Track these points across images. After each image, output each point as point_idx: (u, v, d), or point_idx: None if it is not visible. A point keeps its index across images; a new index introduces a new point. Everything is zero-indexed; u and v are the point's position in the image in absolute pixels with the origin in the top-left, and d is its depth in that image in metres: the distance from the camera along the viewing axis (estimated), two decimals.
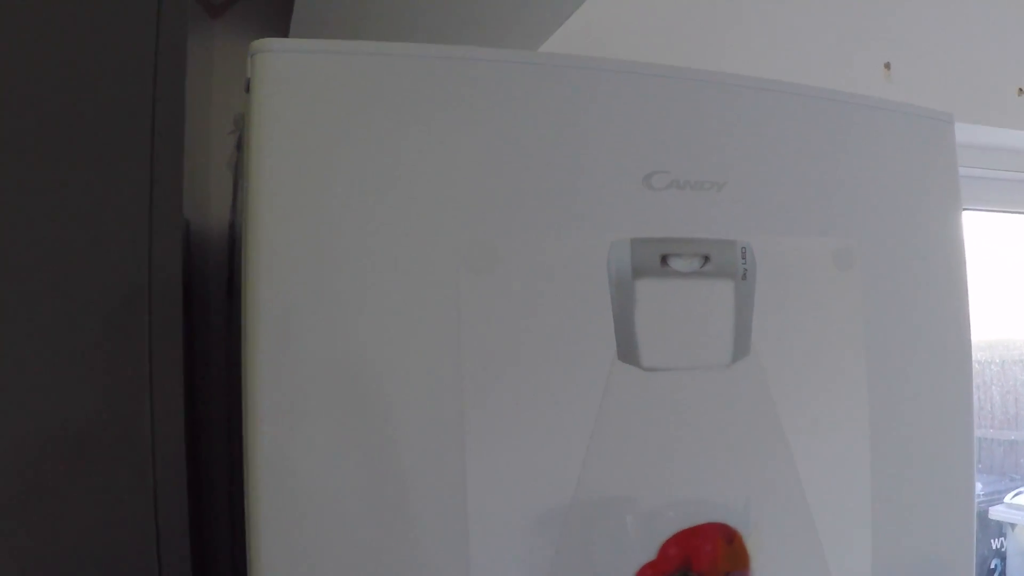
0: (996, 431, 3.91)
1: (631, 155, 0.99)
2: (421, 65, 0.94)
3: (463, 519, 0.92)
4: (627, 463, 0.96)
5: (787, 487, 1.03)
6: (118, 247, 0.97)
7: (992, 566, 3.67)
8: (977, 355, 3.80)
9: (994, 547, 3.65)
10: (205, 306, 1.40)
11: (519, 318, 0.94)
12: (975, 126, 2.26)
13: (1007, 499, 3.62)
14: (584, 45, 1.79)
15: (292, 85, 0.90)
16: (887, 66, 2.14)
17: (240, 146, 1.15)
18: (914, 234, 1.17)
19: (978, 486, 3.56)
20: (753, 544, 1.02)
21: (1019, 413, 3.82)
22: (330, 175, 0.90)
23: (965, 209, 1.25)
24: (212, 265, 1.43)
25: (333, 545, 0.89)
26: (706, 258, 1.01)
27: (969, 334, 1.21)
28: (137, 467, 0.97)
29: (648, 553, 0.97)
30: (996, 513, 3.59)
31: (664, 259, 1.00)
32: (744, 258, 1.03)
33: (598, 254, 0.97)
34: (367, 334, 0.90)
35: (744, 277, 1.03)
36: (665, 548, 0.98)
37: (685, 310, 1.00)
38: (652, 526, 0.98)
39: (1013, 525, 3.53)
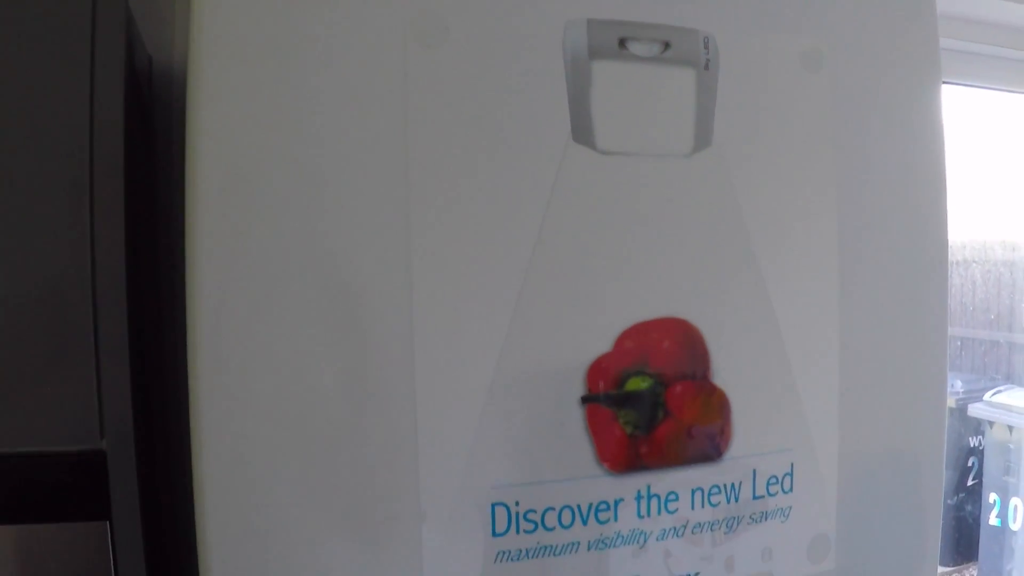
0: (978, 331, 3.90)
1: None
2: None
3: (408, 304, 0.88)
4: (581, 249, 0.93)
5: (750, 287, 1.00)
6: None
7: (969, 463, 3.69)
8: (965, 254, 3.78)
9: (972, 445, 3.66)
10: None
11: (469, 95, 0.90)
12: None
13: (986, 397, 3.62)
14: None
15: None
16: None
17: None
18: (885, 43, 1.12)
19: (958, 384, 3.56)
20: (713, 344, 0.99)
21: (1001, 314, 3.81)
22: None
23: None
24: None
25: (279, 390, 0.88)
26: (666, 44, 0.97)
27: (943, 159, 1.17)
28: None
29: (604, 344, 0.94)
30: (975, 410, 3.60)
31: (623, 42, 0.95)
32: (707, 48, 0.98)
33: (553, 33, 0.92)
34: (310, 107, 0.86)
35: (707, 67, 0.98)
36: (621, 340, 0.95)
37: (643, 94, 0.96)
38: (607, 317, 0.94)
39: (991, 423, 3.54)
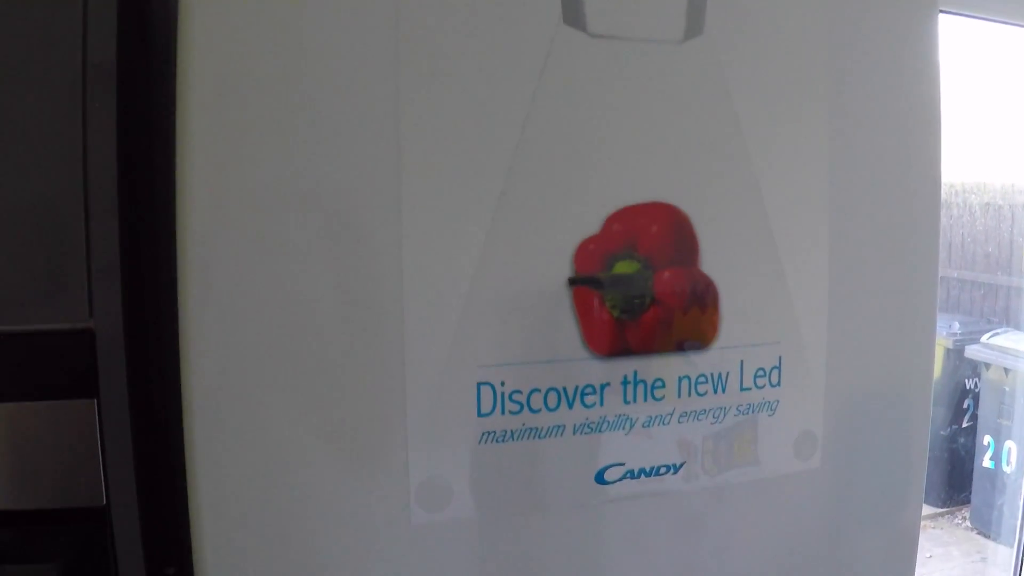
0: (977, 273, 3.89)
1: None
2: None
3: (396, 184, 0.88)
4: (570, 132, 0.92)
5: (740, 178, 1.00)
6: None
7: (964, 405, 3.69)
8: (966, 197, 3.76)
9: (967, 386, 3.67)
10: None
11: None
12: None
13: (984, 339, 3.62)
14: None
15: None
16: None
17: None
18: None
19: (956, 325, 3.56)
20: (702, 232, 0.98)
21: (1001, 257, 3.80)
22: None
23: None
24: None
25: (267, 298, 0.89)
26: None
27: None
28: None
29: (592, 226, 0.94)
30: (972, 352, 3.59)
31: None
32: None
33: None
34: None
35: None
36: (610, 222, 0.94)
37: None
38: (595, 199, 0.94)
39: (987, 365, 3.53)
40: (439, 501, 0.91)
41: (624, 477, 0.97)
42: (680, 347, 0.98)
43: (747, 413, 1.02)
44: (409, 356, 0.89)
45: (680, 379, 0.98)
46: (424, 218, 0.88)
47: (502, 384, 0.92)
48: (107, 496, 0.95)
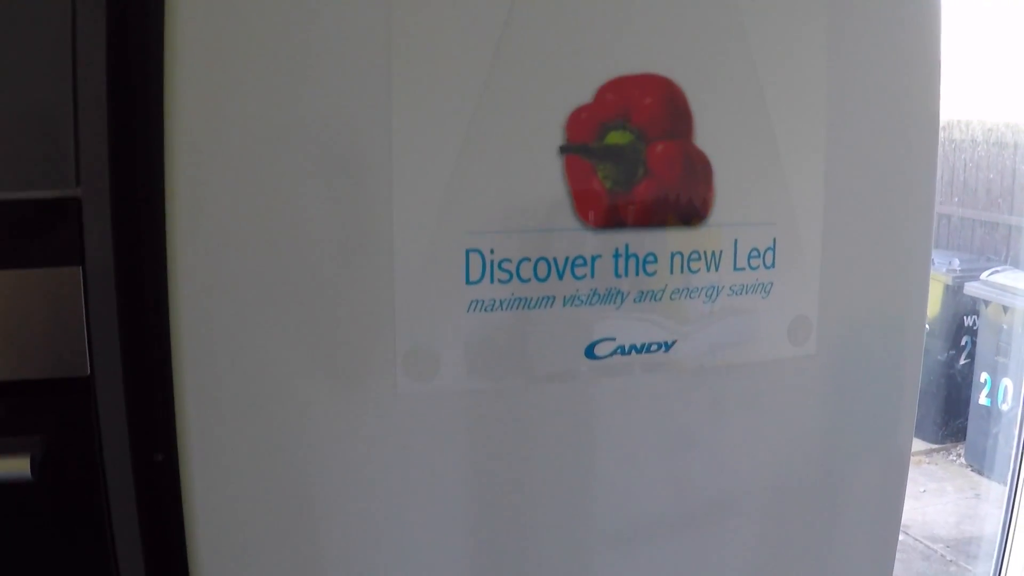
0: (978, 212, 3.87)
1: None
2: None
3: (386, 48, 0.86)
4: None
5: (737, 54, 0.97)
6: None
7: (962, 343, 3.69)
8: (968, 134, 3.72)
9: (966, 324, 3.66)
10: None
11: None
12: None
13: (983, 277, 3.61)
14: None
15: None
16: None
17: None
18: None
19: (956, 262, 3.54)
20: (697, 106, 0.96)
21: (1003, 196, 3.77)
22: None
23: None
24: None
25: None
26: None
27: None
28: None
29: (584, 95, 0.92)
30: (971, 289, 3.59)
31: None
32: None
33: None
34: None
35: None
36: (602, 92, 0.92)
37: None
38: (588, 68, 0.92)
39: (987, 303, 3.53)
40: (426, 370, 0.90)
41: (615, 352, 0.96)
42: (673, 222, 0.96)
43: (740, 294, 1.01)
44: (397, 220, 0.87)
45: (672, 255, 0.97)
46: (413, 83, 0.86)
47: (491, 252, 0.90)
48: (91, 366, 0.93)
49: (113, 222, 0.95)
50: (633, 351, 0.96)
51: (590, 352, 0.95)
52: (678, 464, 1.01)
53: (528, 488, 0.95)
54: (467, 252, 0.90)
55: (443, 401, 0.91)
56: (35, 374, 0.93)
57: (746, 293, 1.01)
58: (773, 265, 1.02)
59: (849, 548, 1.14)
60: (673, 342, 0.98)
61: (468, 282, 0.90)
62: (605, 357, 0.95)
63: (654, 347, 0.97)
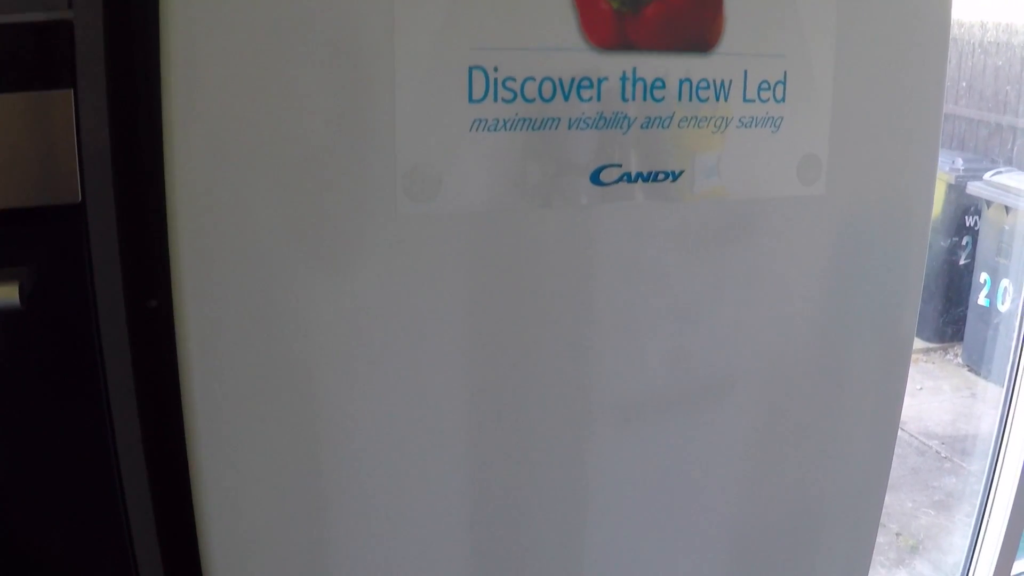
0: (984, 112, 3.82)
1: None
2: None
3: None
4: None
5: None
6: None
7: (963, 243, 3.67)
8: (975, 34, 3.65)
9: (968, 224, 3.64)
10: None
11: None
12: None
13: (986, 177, 3.57)
14: None
15: None
16: None
17: None
18: None
19: (959, 162, 3.50)
20: None
21: (1009, 97, 3.72)
22: None
23: None
24: None
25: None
26: None
27: None
28: None
29: None
30: (974, 189, 3.55)
31: None
32: None
33: None
34: None
35: None
36: None
37: None
38: None
39: (988, 203, 3.50)
40: (427, 191, 0.87)
41: (620, 179, 0.93)
42: (681, 47, 0.92)
43: (750, 127, 0.98)
44: (399, 35, 0.84)
45: (681, 81, 0.94)
46: None
47: (495, 69, 0.87)
48: (83, 192, 0.91)
49: (106, 45, 0.91)
50: (639, 179, 0.94)
51: (595, 178, 0.92)
52: (681, 298, 0.99)
53: (529, 315, 0.93)
54: (470, 69, 0.87)
55: (445, 224, 0.88)
56: (25, 202, 0.90)
57: (755, 126, 0.98)
58: (783, 99, 0.99)
59: (850, 423, 1.13)
60: (680, 172, 0.96)
61: (471, 100, 0.87)
62: (611, 184, 0.93)
63: (661, 176, 0.95)
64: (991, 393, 3.20)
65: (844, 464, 1.11)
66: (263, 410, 0.89)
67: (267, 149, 0.83)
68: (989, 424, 2.55)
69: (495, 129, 0.88)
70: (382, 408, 0.91)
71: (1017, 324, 2.48)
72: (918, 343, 3.83)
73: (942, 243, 3.68)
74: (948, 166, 3.70)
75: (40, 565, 0.94)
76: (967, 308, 3.61)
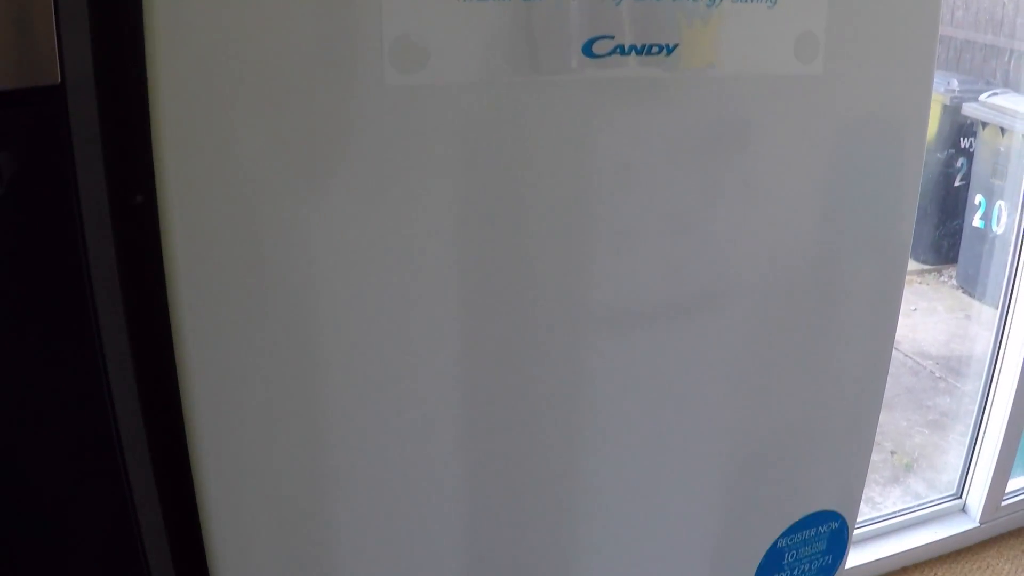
0: (979, 34, 3.78)
1: None
2: None
3: None
4: None
5: None
6: None
7: (958, 164, 3.64)
8: None
9: (963, 146, 3.61)
10: None
11: None
12: None
13: (981, 98, 3.53)
14: None
15: None
16: None
17: None
18: None
19: (954, 83, 3.46)
20: None
21: (1005, 19, 3.67)
22: None
23: None
24: None
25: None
26: None
27: None
28: None
29: None
30: (969, 110, 3.52)
31: None
32: None
33: None
34: None
35: None
36: None
37: None
38: None
39: (984, 124, 3.46)
40: (415, 61, 0.84)
41: (613, 52, 0.90)
42: None
43: (746, 0, 0.94)
44: None
45: None
46: None
47: None
48: (62, 72, 0.88)
49: None
50: (633, 51, 0.91)
51: (587, 50, 0.90)
52: (677, 175, 0.97)
53: (519, 187, 0.91)
54: None
55: (433, 95, 0.85)
56: (2, 84, 0.87)
57: (751, 0, 0.95)
58: None
59: (846, 336, 1.12)
60: (675, 46, 0.93)
61: None
62: (603, 56, 0.90)
63: (655, 49, 0.92)
64: (985, 315, 3.20)
65: (839, 378, 1.10)
66: (251, 309, 0.87)
67: (250, 20, 0.79)
68: (983, 345, 2.56)
69: None
70: (372, 301, 0.90)
71: (1011, 246, 2.47)
72: (912, 265, 3.82)
73: (937, 164, 3.66)
74: (943, 87, 3.66)
75: (25, 478, 0.93)
76: (961, 230, 3.60)
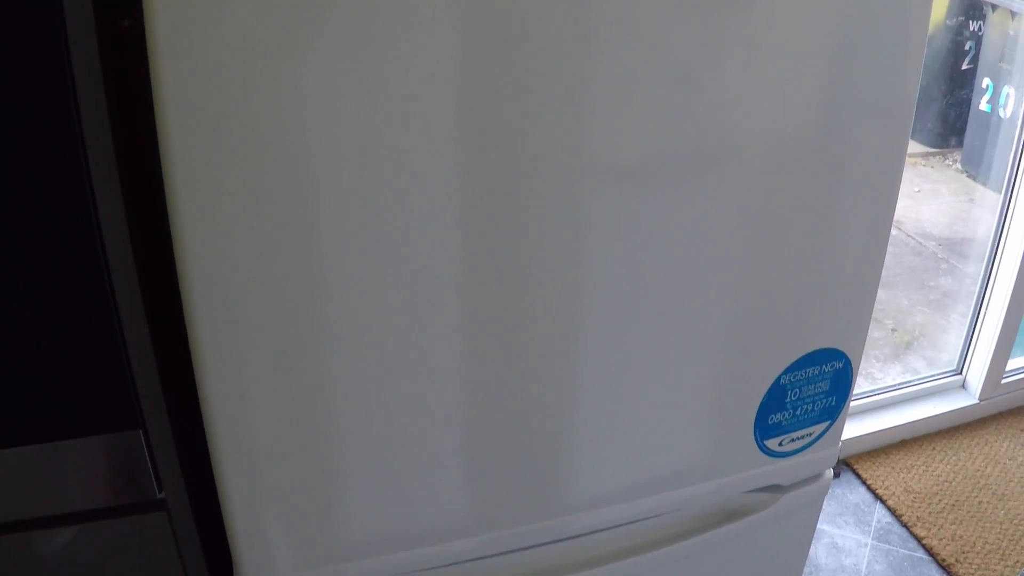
0: None
1: None
2: None
3: None
4: None
5: None
6: None
7: (966, 47, 3.58)
8: None
9: (972, 28, 3.54)
10: None
11: None
12: None
13: None
14: None
15: None
16: None
17: None
18: None
19: None
20: None
21: None
22: None
23: None
24: None
25: None
26: None
27: None
28: None
29: None
30: None
31: None
32: None
33: None
34: None
35: None
36: None
37: None
38: None
39: (994, 6, 3.39)
40: None
41: None
42: None
43: None
44: None
45: None
46: None
47: None
48: None
49: None
50: None
51: None
52: (679, 28, 0.93)
53: (518, 36, 0.87)
54: None
55: None
56: None
57: None
58: None
59: (847, 203, 1.09)
60: None
61: None
62: None
63: None
64: (989, 199, 3.18)
65: (839, 245, 1.07)
66: (243, 164, 0.84)
67: None
68: (986, 229, 2.54)
69: None
70: (369, 145, 0.86)
71: (1018, 131, 2.44)
72: (917, 147, 3.79)
73: (944, 47, 3.59)
74: None
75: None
76: (968, 114, 3.55)
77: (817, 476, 1.27)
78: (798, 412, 1.17)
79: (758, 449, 1.16)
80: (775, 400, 1.14)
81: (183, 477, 1.03)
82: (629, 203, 0.96)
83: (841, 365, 1.17)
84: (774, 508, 1.23)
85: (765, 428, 1.15)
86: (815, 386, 1.17)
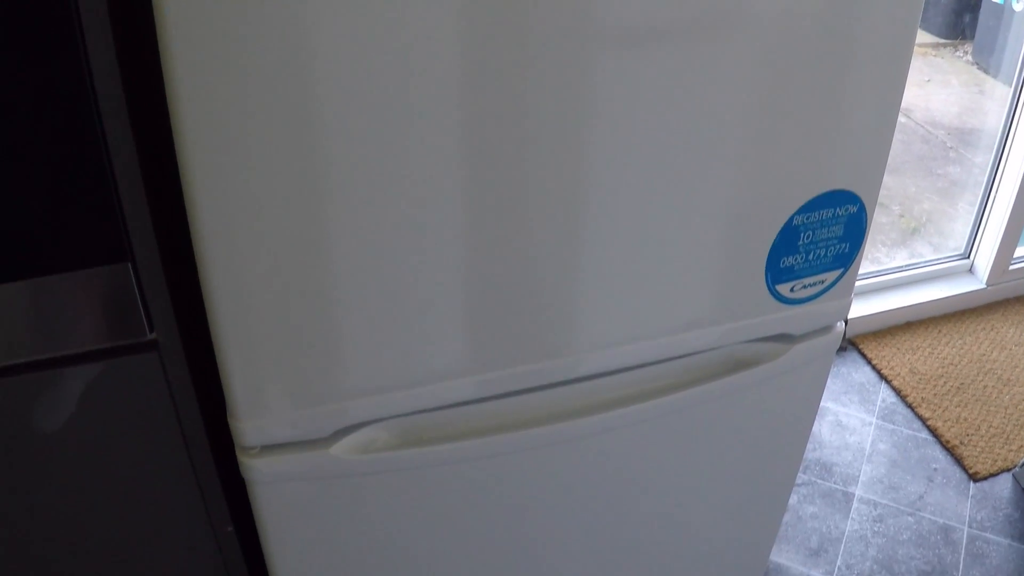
0: None
1: None
2: None
3: None
4: None
5: None
6: None
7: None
8: None
9: None
10: None
11: None
12: None
13: None
14: None
15: None
16: None
17: None
18: None
19: None
20: None
21: None
22: None
23: None
24: None
25: None
26: None
27: None
28: None
29: None
30: None
31: None
32: None
33: None
34: None
35: None
36: None
37: None
38: None
39: None
40: None
41: None
42: None
43: None
44: None
45: None
46: None
47: None
48: None
49: None
50: None
51: None
52: None
53: None
54: None
55: None
56: None
57: None
58: None
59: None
60: None
61: None
62: None
63: None
64: (999, 91, 3.13)
65: (855, 85, 1.02)
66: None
67: None
68: (995, 120, 2.50)
69: None
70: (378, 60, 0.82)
71: None
72: (927, 37, 3.71)
73: None
74: None
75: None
76: (980, 5, 3.48)
77: (828, 328, 1.24)
78: (811, 257, 1.13)
79: (769, 294, 1.13)
80: (788, 242, 1.10)
81: (176, 318, 0.99)
82: (642, 50, 0.91)
83: (855, 209, 1.12)
84: (784, 359, 1.20)
85: (777, 271, 1.11)
86: (829, 230, 1.13)
